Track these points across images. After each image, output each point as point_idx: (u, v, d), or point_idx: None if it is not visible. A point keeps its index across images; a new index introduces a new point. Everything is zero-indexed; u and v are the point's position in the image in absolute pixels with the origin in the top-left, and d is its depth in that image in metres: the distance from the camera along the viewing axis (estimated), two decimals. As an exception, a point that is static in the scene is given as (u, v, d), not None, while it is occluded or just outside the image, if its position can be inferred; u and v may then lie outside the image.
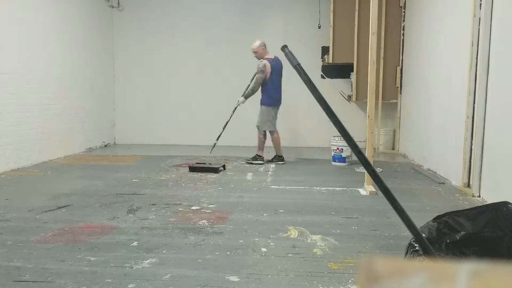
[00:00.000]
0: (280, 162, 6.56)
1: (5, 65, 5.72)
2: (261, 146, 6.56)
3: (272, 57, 6.41)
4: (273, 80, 6.36)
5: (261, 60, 6.38)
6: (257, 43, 6.45)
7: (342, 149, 6.46)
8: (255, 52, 6.46)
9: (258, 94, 6.56)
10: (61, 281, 2.44)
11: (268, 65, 6.32)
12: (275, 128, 6.57)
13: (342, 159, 6.50)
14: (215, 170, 5.75)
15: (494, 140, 4.16)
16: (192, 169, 5.80)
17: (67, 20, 7.25)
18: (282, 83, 6.60)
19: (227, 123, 6.86)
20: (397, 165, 6.56)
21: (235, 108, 6.76)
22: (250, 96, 6.53)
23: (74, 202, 4.18)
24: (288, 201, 4.30)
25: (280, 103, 6.56)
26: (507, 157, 3.84)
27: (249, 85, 6.54)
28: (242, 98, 6.58)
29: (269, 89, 6.39)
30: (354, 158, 6.28)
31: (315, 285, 2.41)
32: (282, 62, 6.31)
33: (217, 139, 7.01)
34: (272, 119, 6.48)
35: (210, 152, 7.02)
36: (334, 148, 6.58)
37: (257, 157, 6.51)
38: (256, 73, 6.41)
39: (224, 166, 5.99)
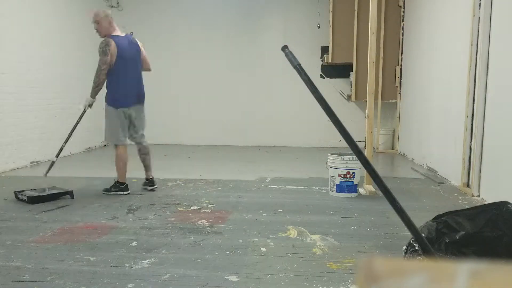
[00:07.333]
0: (122, 193, 4.46)
1: (4, 65, 5.72)
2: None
3: (123, 34, 4.47)
4: (119, 67, 4.33)
5: (105, 37, 4.33)
6: (99, 12, 4.36)
7: (354, 173, 4.46)
8: (96, 24, 4.33)
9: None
10: (61, 281, 2.44)
11: (113, 44, 4.26)
12: (123, 140, 4.50)
13: (353, 188, 4.48)
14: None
15: (494, 139, 4.16)
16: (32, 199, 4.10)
17: (67, 20, 7.25)
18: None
19: (70, 134, 4.55)
20: (396, 165, 6.56)
21: (83, 113, 4.54)
22: (95, 91, 4.42)
23: (73, 202, 4.18)
24: (288, 200, 4.30)
25: (135, 101, 4.52)
26: (507, 157, 3.84)
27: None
28: (89, 98, 4.45)
29: (113, 80, 4.38)
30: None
31: (315, 285, 2.41)
32: (140, 44, 4.65)
33: (57, 156, 4.53)
34: (118, 127, 4.43)
35: (45, 175, 4.42)
36: (340, 173, 4.45)
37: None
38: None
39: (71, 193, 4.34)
